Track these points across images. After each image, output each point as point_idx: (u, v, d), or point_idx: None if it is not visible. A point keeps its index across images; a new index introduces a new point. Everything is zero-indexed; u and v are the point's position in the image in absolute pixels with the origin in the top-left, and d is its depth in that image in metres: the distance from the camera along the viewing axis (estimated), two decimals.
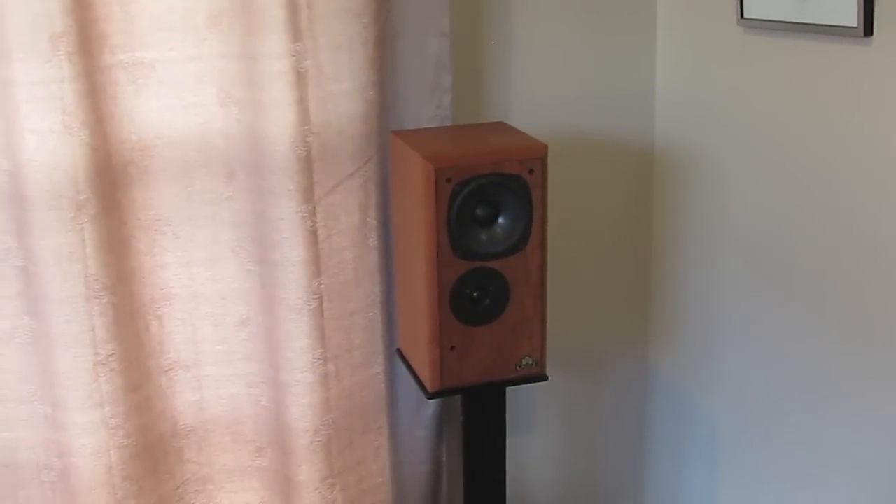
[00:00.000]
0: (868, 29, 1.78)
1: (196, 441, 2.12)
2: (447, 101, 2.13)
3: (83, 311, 1.87)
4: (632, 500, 2.73)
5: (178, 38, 1.90)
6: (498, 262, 1.88)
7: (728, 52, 2.18)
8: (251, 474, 2.17)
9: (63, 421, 1.94)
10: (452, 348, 1.90)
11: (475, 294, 1.89)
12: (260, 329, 2.07)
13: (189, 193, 1.98)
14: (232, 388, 2.11)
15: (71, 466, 1.96)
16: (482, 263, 1.87)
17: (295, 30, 1.88)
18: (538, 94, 2.32)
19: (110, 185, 1.89)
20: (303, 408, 2.05)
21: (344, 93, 1.97)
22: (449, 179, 1.81)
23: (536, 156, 1.86)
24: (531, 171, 1.85)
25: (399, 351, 2.13)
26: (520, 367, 1.96)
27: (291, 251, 1.97)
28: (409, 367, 2.06)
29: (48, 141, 1.78)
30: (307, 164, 1.94)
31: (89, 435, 1.94)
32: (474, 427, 2.04)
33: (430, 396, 1.95)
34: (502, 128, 2.08)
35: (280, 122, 1.90)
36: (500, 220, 1.87)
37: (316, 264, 2.00)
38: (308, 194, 1.96)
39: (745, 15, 2.06)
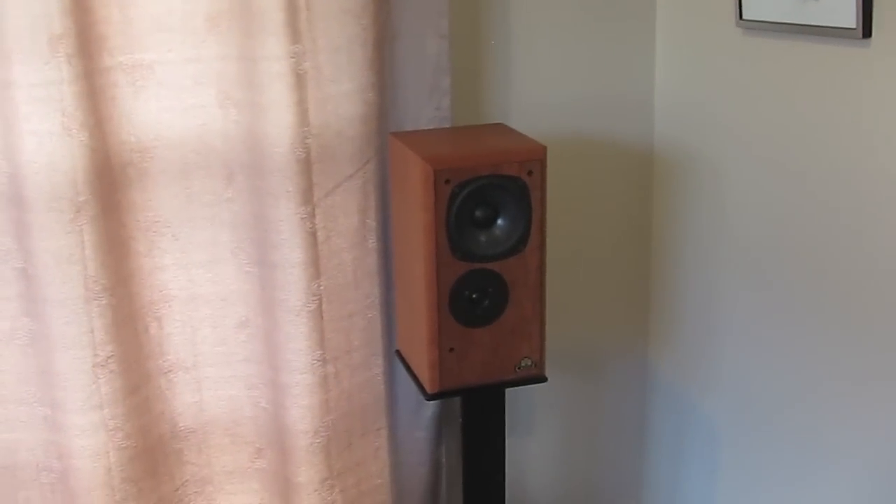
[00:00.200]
0: (867, 30, 1.78)
1: (195, 443, 2.12)
2: (446, 102, 2.13)
3: (82, 313, 1.87)
4: (631, 500, 2.73)
5: (177, 40, 1.90)
6: (497, 264, 1.88)
7: (727, 54, 2.18)
8: (250, 476, 2.17)
9: (62, 422, 1.94)
10: (451, 350, 1.90)
11: (474, 295, 1.89)
12: (259, 331, 2.07)
13: (188, 195, 1.98)
14: (231, 389, 2.11)
15: (70, 468, 1.97)
16: (481, 265, 1.87)
17: (294, 31, 1.88)
18: (537, 95, 2.32)
19: (109, 186, 1.89)
20: (302, 409, 2.05)
21: (343, 94, 1.97)
22: (448, 181, 1.81)
23: (535, 157, 1.86)
24: (530, 173, 1.85)
25: (398, 352, 2.13)
26: (519, 368, 1.96)
27: (291, 253, 1.97)
28: (408, 368, 2.06)
29: (47, 142, 1.78)
30: (306, 166, 1.94)
31: (88, 436, 1.94)
32: (473, 428, 2.04)
33: (430, 398, 1.95)
34: (501, 129, 2.08)
35: (279, 123, 1.90)
36: (499, 221, 1.87)
37: (315, 266, 2.00)
38: (307, 196, 1.96)
39: (744, 16, 2.06)
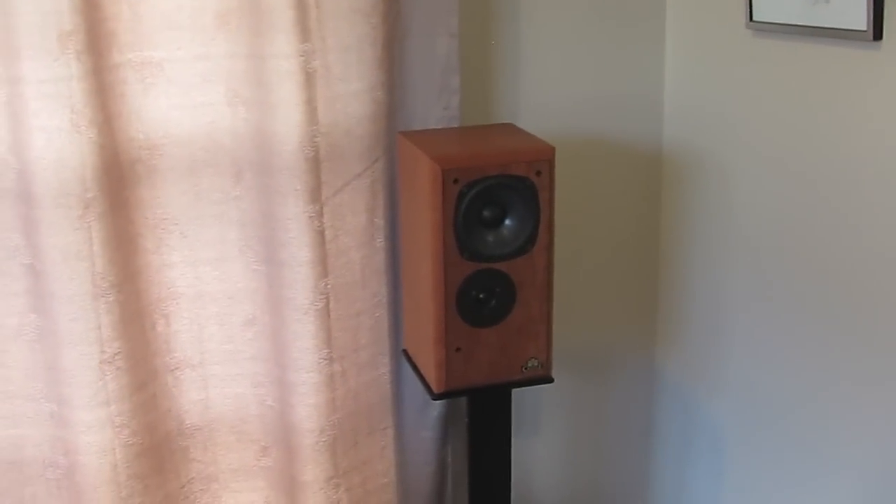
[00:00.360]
0: (877, 33, 1.77)
1: (201, 440, 2.13)
2: (455, 102, 2.13)
3: (90, 309, 1.88)
4: (637, 501, 2.73)
5: (186, 38, 1.90)
6: (504, 264, 1.88)
7: (737, 56, 2.17)
8: (256, 474, 2.17)
9: (69, 418, 1.94)
10: (458, 349, 1.90)
11: (481, 295, 1.89)
12: (266, 329, 2.07)
13: (196, 192, 1.98)
14: (238, 387, 2.11)
15: (76, 464, 1.97)
16: (489, 265, 1.87)
17: (303, 30, 1.88)
18: (546, 95, 2.32)
19: (118, 183, 1.89)
20: (308, 408, 2.05)
21: (352, 93, 1.97)
22: (456, 181, 1.81)
23: (544, 158, 1.86)
24: (538, 173, 1.85)
25: (405, 352, 2.13)
26: (525, 368, 1.96)
27: (298, 251, 1.97)
28: (414, 367, 2.06)
29: (56, 139, 1.78)
30: (315, 165, 1.94)
31: (95, 433, 1.94)
32: (479, 428, 2.04)
33: (436, 397, 1.95)
34: (510, 129, 2.08)
35: (288, 121, 1.90)
36: (507, 221, 1.87)
37: (323, 264, 2.00)
38: (315, 194, 1.96)
39: (754, 18, 2.06)
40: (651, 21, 2.38)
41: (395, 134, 2.05)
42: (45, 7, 1.72)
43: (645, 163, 2.46)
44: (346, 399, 2.11)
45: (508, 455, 2.08)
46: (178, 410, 2.09)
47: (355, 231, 2.05)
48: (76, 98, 1.78)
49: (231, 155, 1.97)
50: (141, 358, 1.99)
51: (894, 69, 1.78)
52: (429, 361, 1.94)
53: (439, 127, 2.12)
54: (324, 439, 2.07)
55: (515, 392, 2.01)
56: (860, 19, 1.79)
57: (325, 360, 2.04)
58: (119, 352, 1.92)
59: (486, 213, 1.85)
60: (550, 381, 1.99)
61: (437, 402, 2.22)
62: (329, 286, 2.02)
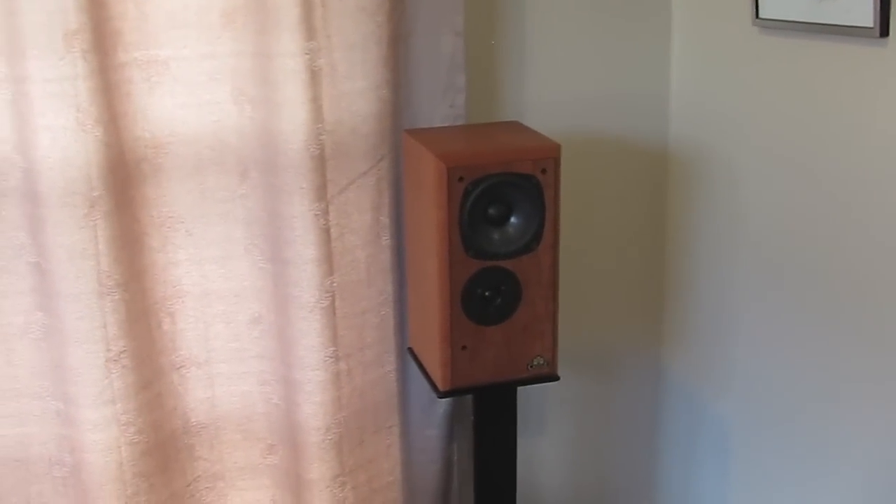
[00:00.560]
0: (884, 30, 1.77)
1: (207, 438, 2.13)
2: (461, 100, 2.13)
3: (95, 308, 1.88)
4: (643, 500, 2.72)
5: (192, 36, 1.90)
6: (510, 262, 1.88)
7: (743, 53, 2.17)
8: (262, 472, 2.17)
9: (75, 417, 1.95)
10: (464, 348, 1.90)
11: (487, 293, 1.88)
12: (272, 327, 2.07)
13: (202, 191, 1.99)
14: (244, 385, 2.11)
15: (82, 462, 1.97)
16: (494, 263, 1.87)
17: (309, 28, 1.88)
18: (552, 93, 2.31)
19: (123, 182, 1.90)
20: (314, 406, 2.05)
21: (357, 91, 1.97)
22: (461, 178, 1.81)
23: (549, 155, 1.85)
24: (544, 171, 1.85)
25: (411, 350, 2.13)
26: (531, 367, 1.96)
27: (304, 249, 1.97)
28: (420, 366, 2.06)
29: (62, 138, 1.79)
30: (320, 163, 1.94)
31: (101, 431, 1.94)
32: (485, 427, 2.04)
33: (442, 395, 1.95)
34: (515, 127, 2.07)
35: (293, 120, 1.90)
36: (513, 219, 1.87)
37: (328, 262, 2.00)
38: (321, 192, 1.96)
39: (761, 15, 2.05)
40: (657, 18, 2.37)
41: (401, 132, 2.05)
42: (50, 6, 1.72)
43: (651, 160, 2.46)
44: (352, 397, 2.11)
45: (514, 453, 2.07)
46: (184, 408, 2.09)
47: (361, 229, 2.05)
48: (82, 97, 1.78)
49: (237, 153, 1.98)
50: (147, 356, 1.99)
51: None
52: (434, 359, 1.93)
53: (445, 125, 2.12)
54: (330, 437, 2.07)
55: (521, 390, 2.01)
56: (867, 16, 1.78)
57: (331, 358, 2.04)
58: (125, 350, 1.93)
59: (491, 211, 1.85)
60: (556, 379, 1.99)
61: (443, 400, 2.22)
62: (335, 284, 2.02)
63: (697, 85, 2.35)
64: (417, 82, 2.09)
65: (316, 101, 1.91)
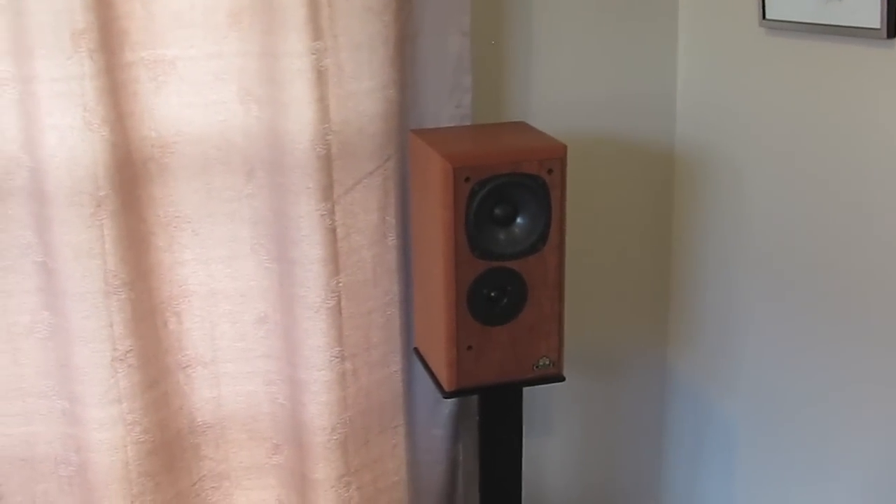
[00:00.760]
0: (891, 31, 1.76)
1: (213, 438, 2.13)
2: (467, 100, 2.13)
3: (102, 307, 1.88)
4: (649, 501, 2.72)
5: (199, 36, 1.90)
6: (516, 262, 1.88)
7: (750, 54, 2.17)
8: (268, 472, 2.17)
9: (81, 416, 1.95)
10: (469, 348, 1.90)
11: (493, 294, 1.88)
12: (278, 327, 2.07)
13: (208, 191, 1.99)
14: (249, 385, 2.11)
15: (88, 461, 1.97)
16: (500, 263, 1.87)
17: (315, 28, 1.88)
18: (558, 94, 2.31)
19: (130, 181, 1.90)
20: (320, 406, 2.05)
21: (364, 91, 1.97)
22: (468, 179, 1.81)
23: (556, 156, 1.85)
24: (550, 171, 1.85)
25: (416, 350, 2.13)
26: (537, 367, 1.96)
27: (310, 249, 1.97)
28: (426, 366, 2.06)
29: (69, 137, 1.79)
30: (326, 163, 1.94)
31: (107, 430, 1.94)
32: (491, 427, 2.03)
33: (447, 396, 1.95)
34: (522, 127, 2.07)
35: (300, 120, 1.91)
36: (519, 220, 1.87)
37: (334, 262, 2.00)
38: (327, 192, 1.96)
39: (767, 16, 2.05)
40: (664, 19, 2.37)
41: (407, 132, 2.05)
42: (57, 6, 1.73)
43: (657, 161, 2.45)
44: (358, 397, 2.12)
45: (519, 453, 2.07)
46: (190, 408, 2.09)
47: (367, 229, 2.05)
48: (89, 96, 1.78)
49: (243, 153, 1.98)
50: (153, 355, 1.99)
51: None
52: (440, 360, 1.93)
53: (451, 125, 2.12)
54: (335, 437, 2.08)
55: (526, 391, 2.01)
56: (874, 17, 1.78)
57: (337, 358, 2.04)
58: (131, 349, 1.93)
59: (497, 212, 1.85)
60: (562, 379, 1.99)
61: (449, 400, 2.22)
62: (341, 284, 2.02)
63: (704, 86, 2.34)
64: (424, 82, 2.09)
65: (322, 101, 1.91)
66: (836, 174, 1.97)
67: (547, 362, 1.96)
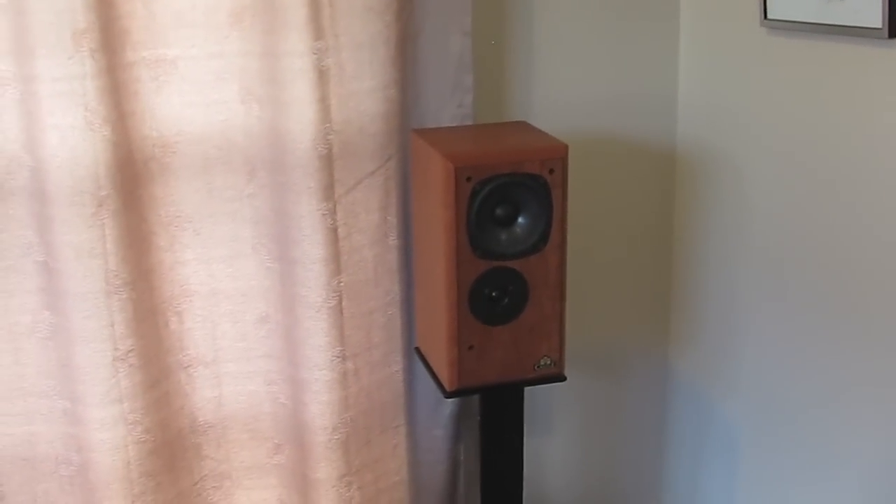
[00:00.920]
0: (893, 30, 1.76)
1: (214, 437, 2.13)
2: (468, 100, 2.13)
3: (103, 307, 1.88)
4: (651, 501, 2.72)
5: (200, 36, 1.90)
6: (517, 262, 1.88)
7: (751, 54, 2.17)
8: (269, 471, 2.17)
9: (82, 416, 1.95)
10: (471, 348, 1.90)
11: (494, 294, 1.88)
12: (279, 326, 2.07)
13: (210, 190, 1.99)
14: (251, 385, 2.11)
15: (89, 461, 1.97)
16: (501, 263, 1.87)
17: (317, 28, 1.88)
18: (560, 94, 2.31)
19: (131, 181, 1.90)
20: (321, 405, 2.05)
21: (365, 91, 1.97)
22: (469, 178, 1.80)
23: (557, 156, 1.85)
24: (552, 171, 1.84)
25: (418, 350, 2.13)
26: (538, 367, 1.96)
27: (311, 249, 1.97)
28: (427, 366, 2.06)
29: (70, 137, 1.79)
30: (328, 162, 1.94)
31: (108, 430, 1.94)
32: (492, 427, 2.03)
33: (449, 396, 1.95)
34: (523, 127, 2.07)
35: (301, 119, 1.90)
36: (520, 219, 1.87)
37: (336, 262, 2.00)
38: (328, 192, 1.96)
39: (769, 16, 2.05)
40: (665, 19, 2.37)
41: (409, 132, 2.05)
42: (59, 5, 1.73)
43: (658, 161, 2.45)
44: (359, 397, 2.11)
45: (521, 453, 2.07)
46: (191, 408, 2.09)
47: (368, 229, 2.05)
48: (90, 96, 1.78)
49: (244, 153, 1.98)
50: (154, 355, 1.99)
51: None
52: (441, 359, 1.93)
53: (452, 125, 2.12)
54: (336, 437, 2.07)
55: (528, 390, 2.01)
56: (875, 17, 1.78)
57: (338, 357, 2.04)
58: (132, 349, 1.93)
59: (499, 211, 1.84)
60: (563, 379, 1.99)
61: (450, 400, 2.22)
62: (342, 284, 2.02)
63: (705, 85, 2.34)
64: (425, 82, 2.09)
65: (324, 101, 1.91)
66: (837, 174, 1.97)
67: (548, 362, 1.96)
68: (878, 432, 1.96)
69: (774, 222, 2.16)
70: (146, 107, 1.90)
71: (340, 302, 2.03)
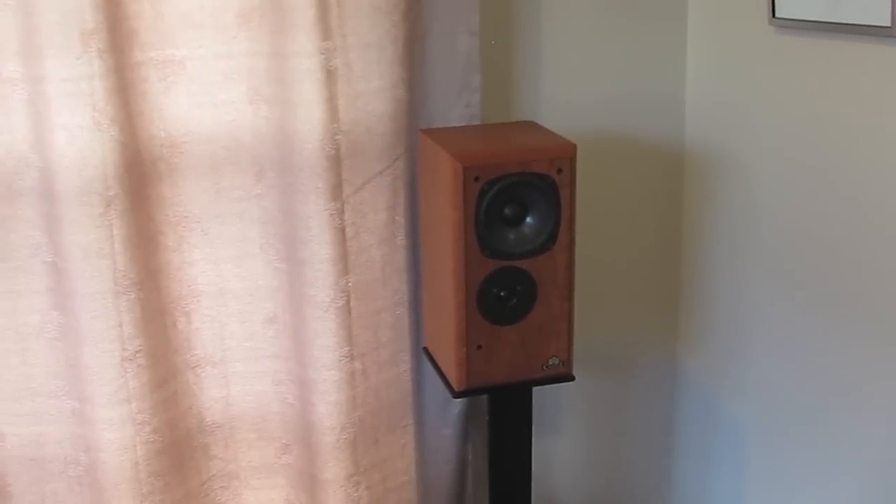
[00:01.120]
0: None
1: (222, 437, 2.13)
2: (476, 99, 2.12)
3: (111, 307, 1.88)
4: (659, 501, 2.72)
5: (208, 36, 1.90)
6: (526, 262, 1.88)
7: (759, 52, 2.16)
8: (277, 471, 2.17)
9: (90, 416, 1.95)
10: (479, 347, 1.90)
11: (502, 293, 1.88)
12: (287, 326, 2.07)
13: (218, 190, 1.99)
14: (258, 385, 2.11)
15: (97, 461, 1.97)
16: (510, 263, 1.87)
17: (325, 28, 1.88)
18: (568, 93, 2.31)
19: (139, 181, 1.90)
20: (329, 405, 2.05)
21: (373, 91, 1.97)
22: (477, 178, 1.80)
23: (565, 155, 1.85)
24: (560, 171, 1.84)
25: (426, 349, 2.13)
26: (546, 367, 1.96)
27: (319, 249, 1.97)
28: (435, 365, 2.06)
29: (78, 137, 1.79)
30: (336, 162, 1.94)
31: (116, 430, 1.94)
32: (500, 427, 2.03)
33: (457, 395, 1.95)
34: (531, 127, 2.07)
35: (309, 120, 1.90)
36: (528, 219, 1.86)
37: (343, 262, 2.00)
38: (336, 192, 1.96)
39: (777, 15, 2.05)
40: (673, 18, 2.37)
41: (416, 132, 2.05)
42: (67, 6, 1.73)
43: (666, 160, 2.45)
44: (367, 397, 2.11)
45: (529, 453, 2.07)
46: (199, 408, 2.09)
47: (376, 229, 2.05)
48: (98, 96, 1.78)
49: (252, 153, 1.98)
50: (162, 355, 2.00)
51: None
52: (449, 359, 1.93)
53: (460, 125, 2.12)
54: (344, 437, 2.07)
55: (536, 390, 2.01)
56: (884, 15, 1.78)
57: (346, 357, 2.04)
58: (140, 349, 1.93)
59: (507, 211, 1.84)
60: (571, 379, 1.99)
61: (458, 399, 2.22)
62: (350, 284, 2.02)
63: (713, 85, 2.34)
64: (433, 82, 2.09)
65: (332, 101, 1.91)
66: (845, 173, 1.97)
67: (556, 362, 1.96)
68: (887, 433, 1.95)
69: (783, 222, 2.16)
70: (154, 107, 1.90)
71: (348, 302, 2.03)
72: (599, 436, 2.61)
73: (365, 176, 2.00)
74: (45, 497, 2.04)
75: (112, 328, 1.89)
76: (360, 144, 1.98)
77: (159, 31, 1.87)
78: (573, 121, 2.27)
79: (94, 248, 1.85)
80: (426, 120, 2.11)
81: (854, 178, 1.95)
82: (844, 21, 1.88)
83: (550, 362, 1.95)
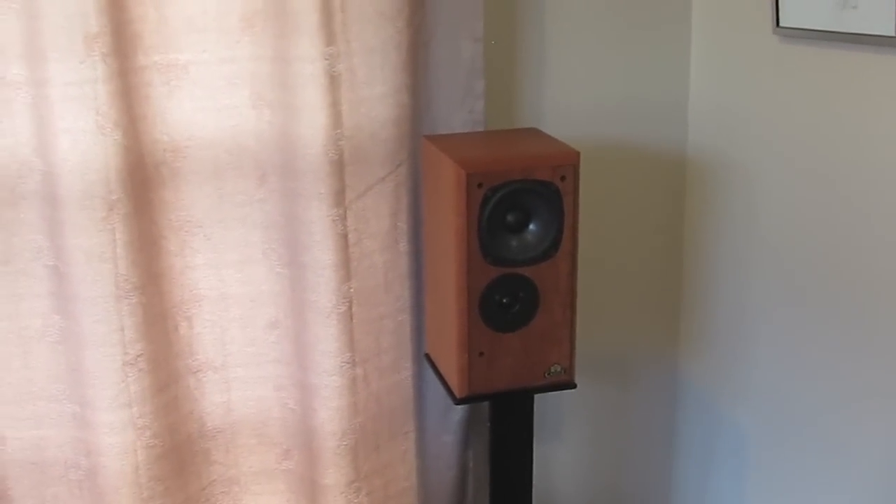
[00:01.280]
0: None
1: (223, 442, 2.13)
2: (479, 106, 2.12)
3: (113, 311, 1.88)
4: None
5: (211, 40, 1.90)
6: (528, 269, 1.88)
7: (763, 61, 2.16)
8: (277, 477, 2.17)
9: (91, 420, 1.95)
10: (481, 354, 1.90)
11: (505, 300, 1.88)
12: (289, 332, 2.07)
13: (220, 195, 1.99)
14: (260, 390, 2.11)
15: (98, 465, 1.97)
16: (512, 270, 1.87)
17: (328, 33, 1.88)
18: (571, 100, 2.31)
19: (142, 185, 1.90)
20: (330, 411, 2.05)
21: (376, 97, 1.97)
22: (480, 185, 1.80)
23: (568, 162, 1.85)
24: (563, 178, 1.84)
25: (427, 356, 2.13)
26: (548, 374, 1.95)
27: (322, 254, 1.97)
28: (437, 372, 2.06)
29: (81, 141, 1.79)
30: (339, 168, 1.94)
31: (117, 434, 1.94)
32: (502, 434, 2.03)
33: (458, 402, 1.94)
34: (534, 134, 2.07)
35: (312, 125, 1.90)
36: (531, 226, 1.86)
37: (346, 268, 2.00)
38: (339, 198, 1.96)
39: (781, 24, 2.05)
40: (677, 26, 2.37)
41: (420, 138, 2.04)
42: (70, 9, 1.73)
43: (669, 168, 2.45)
44: (368, 403, 2.11)
45: (530, 460, 2.07)
46: (200, 413, 2.09)
47: (379, 235, 2.05)
48: (101, 100, 1.78)
49: (255, 158, 1.97)
50: (163, 360, 1.99)
51: None
52: (451, 366, 1.93)
53: (464, 131, 2.12)
54: (345, 443, 2.07)
55: (538, 397, 2.01)
56: (888, 25, 1.77)
57: (348, 363, 2.04)
58: (141, 354, 1.93)
59: (510, 218, 1.84)
60: (573, 386, 1.98)
61: (459, 406, 2.21)
62: (352, 290, 2.02)
63: (716, 93, 2.34)
64: (437, 88, 2.09)
65: (335, 106, 1.91)
66: (849, 182, 1.96)
67: (559, 369, 1.95)
68: (888, 439, 1.95)
69: (785, 230, 2.16)
70: (157, 111, 1.90)
71: (350, 307, 2.02)
72: (601, 442, 2.61)
73: (368, 182, 2.00)
74: (45, 501, 2.04)
75: (113, 332, 1.89)
76: (363, 150, 1.98)
77: (163, 35, 1.87)
78: (576, 127, 2.27)
79: (96, 252, 1.84)
80: (429, 126, 2.10)
81: (857, 186, 1.95)
82: (848, 30, 1.88)
83: (553, 370, 1.95)
